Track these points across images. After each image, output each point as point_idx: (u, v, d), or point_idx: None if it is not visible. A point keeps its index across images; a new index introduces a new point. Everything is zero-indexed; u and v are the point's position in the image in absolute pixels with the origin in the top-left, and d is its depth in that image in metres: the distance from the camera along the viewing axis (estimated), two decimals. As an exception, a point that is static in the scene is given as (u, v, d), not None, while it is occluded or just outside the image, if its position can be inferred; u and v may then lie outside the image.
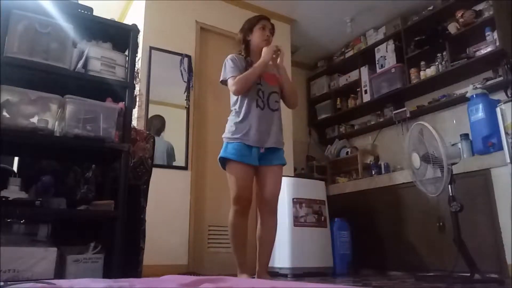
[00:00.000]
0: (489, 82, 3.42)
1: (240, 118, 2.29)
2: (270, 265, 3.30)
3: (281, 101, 2.47)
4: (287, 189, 3.42)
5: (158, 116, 3.46)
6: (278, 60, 2.40)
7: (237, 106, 2.33)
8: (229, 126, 2.33)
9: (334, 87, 4.98)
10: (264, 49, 2.34)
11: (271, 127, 2.32)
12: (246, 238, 2.35)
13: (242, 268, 2.31)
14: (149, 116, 3.41)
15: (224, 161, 2.30)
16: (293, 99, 2.51)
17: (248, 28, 2.46)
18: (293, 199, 3.40)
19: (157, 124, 3.45)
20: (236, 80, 2.26)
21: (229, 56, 2.40)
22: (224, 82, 2.37)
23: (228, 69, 2.34)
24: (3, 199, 1.57)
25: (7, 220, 1.61)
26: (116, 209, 1.71)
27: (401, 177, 3.51)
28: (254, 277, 2.30)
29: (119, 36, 1.96)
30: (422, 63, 3.96)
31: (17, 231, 1.62)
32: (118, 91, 1.86)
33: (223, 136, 2.35)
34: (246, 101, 2.30)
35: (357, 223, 3.71)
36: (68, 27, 1.78)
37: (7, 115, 1.58)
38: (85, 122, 1.70)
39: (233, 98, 2.39)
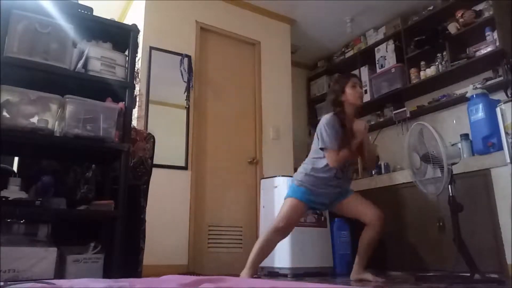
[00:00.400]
0: (489, 82, 3.41)
1: (317, 181, 2.56)
2: (270, 265, 3.32)
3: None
4: (287, 189, 3.41)
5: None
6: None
7: (318, 167, 2.57)
8: (304, 177, 2.59)
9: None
10: (358, 128, 2.57)
11: (339, 188, 2.63)
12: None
13: (253, 272, 2.57)
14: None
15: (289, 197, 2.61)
16: (372, 163, 2.92)
17: (339, 89, 2.66)
18: (293, 199, 3.39)
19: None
20: (338, 158, 2.51)
21: (329, 120, 2.57)
22: (323, 149, 2.56)
23: (330, 139, 2.52)
24: (3, 199, 1.57)
25: (7, 220, 1.61)
26: (116, 209, 1.71)
27: (401, 177, 3.51)
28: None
29: (119, 36, 1.96)
30: (422, 63, 3.96)
31: (17, 231, 1.62)
32: (118, 91, 1.86)
33: (295, 176, 2.67)
34: (327, 169, 2.55)
35: (357, 223, 3.68)
36: (68, 27, 1.78)
37: (7, 115, 1.58)
38: (85, 122, 1.70)
39: (316, 153, 2.62)
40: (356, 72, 4.64)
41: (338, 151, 2.51)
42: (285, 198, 2.64)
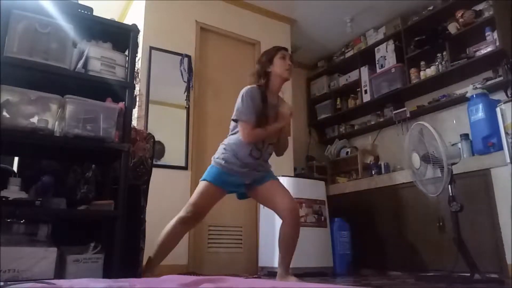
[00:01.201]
0: (489, 82, 3.42)
1: (231, 159, 2.24)
2: (270, 265, 3.32)
3: None
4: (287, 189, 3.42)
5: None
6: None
7: (231, 143, 2.28)
8: (220, 155, 2.28)
9: (334, 87, 4.98)
10: (283, 112, 2.32)
11: (257, 171, 2.31)
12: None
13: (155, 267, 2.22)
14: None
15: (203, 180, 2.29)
16: (283, 150, 2.47)
17: (267, 59, 2.42)
18: (293, 199, 3.39)
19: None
20: (252, 133, 2.22)
21: (247, 90, 2.31)
22: (235, 121, 2.31)
23: (244, 109, 2.25)
24: (3, 199, 1.57)
25: (7, 220, 1.61)
26: (116, 209, 1.71)
27: (401, 177, 3.51)
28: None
29: (119, 36, 1.96)
30: (422, 63, 3.96)
31: (17, 231, 1.62)
32: (118, 91, 1.86)
33: (213, 157, 2.32)
34: (241, 147, 2.25)
35: (357, 223, 3.71)
36: (68, 27, 1.77)
37: (7, 115, 1.58)
38: (85, 122, 1.70)
39: (233, 125, 2.35)
40: (356, 72, 4.66)
41: (252, 125, 2.23)
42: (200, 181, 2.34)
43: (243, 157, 2.25)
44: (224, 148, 2.29)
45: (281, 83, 2.41)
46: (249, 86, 2.34)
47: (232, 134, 2.34)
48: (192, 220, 2.29)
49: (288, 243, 2.26)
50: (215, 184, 2.23)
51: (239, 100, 2.31)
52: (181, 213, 2.27)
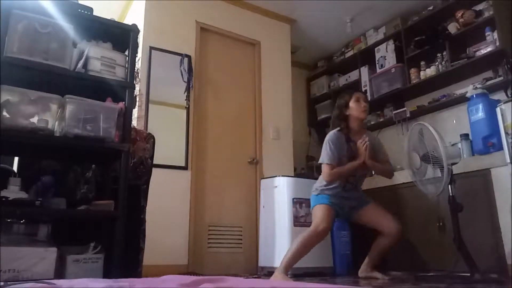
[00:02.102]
0: (489, 82, 3.41)
1: (329, 191, 2.67)
2: (270, 265, 3.32)
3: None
4: (287, 189, 3.42)
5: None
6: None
7: (323, 179, 2.71)
8: (319, 187, 2.72)
9: (334, 87, 4.98)
10: (360, 147, 2.62)
11: (352, 200, 2.73)
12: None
13: (286, 272, 2.58)
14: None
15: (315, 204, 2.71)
16: (389, 176, 2.88)
17: (344, 103, 2.73)
18: (293, 199, 3.39)
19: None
20: (332, 173, 2.60)
21: (329, 135, 2.70)
22: (320, 164, 2.69)
23: (327, 154, 2.63)
24: (3, 199, 1.57)
25: (7, 220, 1.61)
26: (116, 209, 1.71)
27: (401, 177, 3.51)
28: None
29: (119, 36, 1.96)
30: (422, 63, 3.96)
31: (17, 231, 1.62)
32: (118, 91, 1.86)
33: (315, 186, 2.77)
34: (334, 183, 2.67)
35: (357, 223, 3.69)
36: (68, 27, 1.78)
37: (7, 115, 1.58)
38: (85, 122, 1.70)
39: None
40: (356, 72, 4.65)
41: (333, 166, 2.60)
42: (311, 210, 2.73)
43: (337, 192, 2.65)
44: (318, 188, 2.72)
45: (360, 123, 2.74)
46: (332, 131, 2.72)
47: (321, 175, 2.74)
48: (326, 232, 2.63)
49: (385, 253, 2.76)
50: (328, 204, 2.63)
51: (325, 145, 2.68)
52: (315, 227, 2.60)
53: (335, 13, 4.30)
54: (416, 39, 3.97)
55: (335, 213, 2.68)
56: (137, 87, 3.33)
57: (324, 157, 2.65)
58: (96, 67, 1.82)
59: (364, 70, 4.53)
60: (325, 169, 2.64)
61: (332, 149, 2.62)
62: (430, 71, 3.86)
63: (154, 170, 2.21)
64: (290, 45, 4.50)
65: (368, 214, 2.73)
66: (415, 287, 2.30)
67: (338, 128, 2.72)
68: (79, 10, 1.88)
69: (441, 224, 3.08)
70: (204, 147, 3.67)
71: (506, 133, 2.60)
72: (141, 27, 3.41)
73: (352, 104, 2.71)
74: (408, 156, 2.80)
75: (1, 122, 1.54)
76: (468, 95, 3.20)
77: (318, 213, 2.62)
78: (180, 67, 3.63)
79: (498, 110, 2.70)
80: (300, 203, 3.41)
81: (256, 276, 3.17)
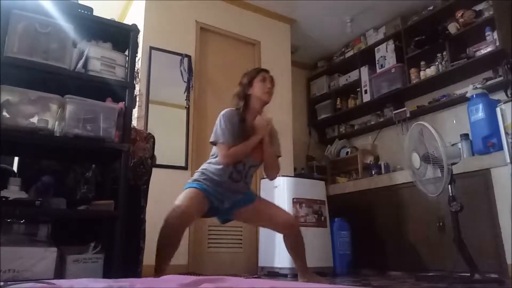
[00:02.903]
0: (489, 82, 3.42)
1: (211, 183, 2.19)
2: (270, 265, 3.32)
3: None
4: (287, 189, 3.42)
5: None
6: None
7: (211, 169, 2.23)
8: (200, 177, 2.22)
9: (334, 87, 4.98)
10: (258, 123, 2.26)
11: (238, 194, 2.27)
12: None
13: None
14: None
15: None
16: (272, 174, 2.39)
17: (247, 82, 2.37)
18: (293, 199, 3.39)
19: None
20: (230, 153, 2.17)
21: (224, 113, 2.28)
22: (213, 143, 2.26)
23: (220, 131, 2.21)
24: (3, 199, 1.57)
25: (7, 220, 1.61)
26: (116, 209, 1.71)
27: (401, 177, 3.51)
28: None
29: (119, 36, 1.96)
30: (422, 63, 3.96)
31: (17, 231, 1.62)
32: (118, 91, 1.86)
33: (193, 177, 2.28)
34: (222, 171, 2.20)
35: (357, 223, 3.70)
36: (68, 27, 1.77)
37: (7, 115, 1.58)
38: (85, 122, 1.70)
39: (213, 150, 2.32)
40: (356, 72, 4.66)
41: (229, 146, 2.18)
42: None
43: (222, 181, 2.19)
44: (203, 173, 2.23)
45: (262, 106, 2.36)
46: (227, 109, 2.31)
47: (210, 158, 2.31)
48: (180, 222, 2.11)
49: (299, 249, 2.32)
50: (200, 190, 2.15)
51: (216, 123, 2.26)
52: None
53: (335, 13, 4.30)
54: (416, 39, 3.97)
55: (209, 204, 2.17)
56: (137, 87, 3.33)
57: (219, 135, 2.20)
58: (96, 67, 1.82)
59: (364, 70, 4.53)
60: (220, 149, 2.19)
61: (228, 127, 2.21)
62: (430, 71, 3.86)
63: (154, 170, 2.20)
64: (290, 45, 4.50)
65: (257, 209, 2.31)
66: (415, 287, 2.30)
67: (236, 108, 2.34)
68: (79, 10, 1.88)
69: (441, 224, 3.08)
70: (204, 147, 3.67)
71: (506, 133, 2.60)
72: (141, 27, 3.41)
73: (257, 82, 2.34)
74: (408, 156, 2.80)
75: (1, 122, 1.54)
76: (468, 95, 3.20)
77: (181, 196, 2.14)
78: (180, 67, 3.63)
79: (498, 110, 2.70)
80: (300, 203, 3.41)
81: (256, 276, 3.17)
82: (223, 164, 2.19)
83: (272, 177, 2.42)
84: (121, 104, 1.84)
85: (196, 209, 2.12)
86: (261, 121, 2.28)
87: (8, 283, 1.17)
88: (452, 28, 3.68)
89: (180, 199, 2.11)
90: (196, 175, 2.26)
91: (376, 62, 4.37)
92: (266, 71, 2.44)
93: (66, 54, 1.76)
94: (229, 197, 2.24)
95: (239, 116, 2.28)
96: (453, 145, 3.19)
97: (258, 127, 2.26)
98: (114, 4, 4.04)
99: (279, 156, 2.41)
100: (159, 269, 1.96)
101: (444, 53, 3.75)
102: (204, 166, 2.30)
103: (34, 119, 1.64)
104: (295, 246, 2.32)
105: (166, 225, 2.02)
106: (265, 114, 2.41)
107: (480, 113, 3.01)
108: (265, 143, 2.28)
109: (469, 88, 3.31)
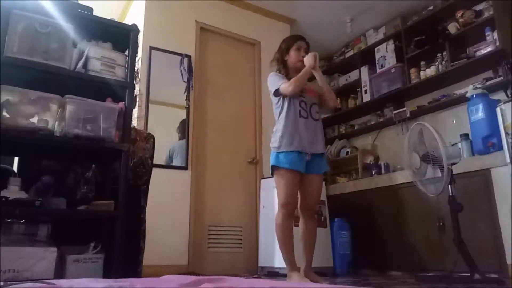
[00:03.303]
0: (489, 82, 3.41)
1: (287, 128, 2.48)
2: (270, 265, 3.32)
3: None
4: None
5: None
6: (317, 64, 2.62)
7: (283, 116, 2.52)
8: (277, 136, 2.51)
9: (334, 87, 4.97)
10: (305, 58, 2.56)
11: (315, 135, 2.54)
12: (293, 238, 2.52)
13: (292, 266, 2.45)
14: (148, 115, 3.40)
15: (274, 168, 2.51)
16: (332, 103, 2.73)
17: (285, 48, 2.67)
18: (293, 199, 3.39)
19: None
20: (291, 82, 2.47)
21: (271, 73, 2.64)
22: (277, 93, 2.54)
23: (276, 79, 2.56)
24: (3, 199, 1.57)
25: (7, 220, 1.61)
26: (116, 209, 1.71)
27: (401, 177, 3.51)
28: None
29: (119, 36, 1.96)
30: (422, 63, 3.96)
31: (17, 231, 1.62)
32: (118, 91, 1.86)
33: (271, 145, 2.55)
34: (291, 112, 2.51)
35: (357, 223, 3.70)
36: (68, 27, 1.78)
37: (7, 115, 1.58)
38: (85, 122, 1.70)
39: (277, 109, 2.59)
40: (356, 72, 4.65)
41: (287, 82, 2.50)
42: (271, 170, 2.54)
43: (295, 124, 2.47)
44: (276, 133, 2.53)
45: (296, 72, 2.57)
46: (272, 72, 2.65)
47: (276, 114, 2.60)
48: (290, 207, 2.48)
49: (311, 241, 2.56)
50: (290, 168, 2.43)
51: (269, 80, 2.61)
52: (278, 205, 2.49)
53: (335, 13, 4.30)
54: (416, 39, 3.97)
55: (298, 174, 2.45)
56: (137, 87, 3.33)
57: (276, 83, 2.54)
58: (96, 67, 1.82)
59: (364, 70, 4.53)
60: (283, 87, 2.49)
61: (279, 76, 2.58)
62: (430, 71, 3.86)
63: (154, 170, 2.21)
64: (290, 45, 4.49)
65: (313, 181, 2.53)
66: (415, 287, 2.30)
67: (278, 70, 2.67)
68: (79, 10, 1.88)
69: (441, 224, 3.08)
70: (204, 147, 3.67)
71: (506, 133, 2.60)
72: (141, 27, 3.41)
73: (292, 51, 2.66)
74: (408, 156, 2.80)
75: (1, 122, 1.54)
76: (468, 95, 3.20)
77: (280, 188, 2.46)
78: (180, 67, 3.63)
79: (498, 110, 2.70)
80: (300, 203, 3.41)
81: (256, 276, 3.17)
82: (292, 92, 2.47)
83: (332, 106, 2.84)
84: (121, 104, 1.84)
85: (296, 191, 2.47)
86: (309, 56, 2.56)
87: (8, 283, 1.17)
88: (452, 28, 3.68)
89: (281, 194, 2.45)
90: (274, 142, 2.52)
91: (376, 62, 4.37)
92: (303, 39, 2.75)
93: (66, 54, 1.76)
94: (307, 147, 2.48)
95: (285, 78, 2.57)
96: (453, 145, 3.19)
97: (306, 62, 2.55)
98: (114, 4, 4.05)
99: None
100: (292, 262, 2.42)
101: (444, 53, 3.75)
102: (275, 127, 2.59)
103: (34, 119, 1.64)
104: (307, 236, 2.54)
105: (282, 225, 2.42)
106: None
107: (480, 113, 3.00)
108: (317, 74, 2.62)
109: (469, 88, 3.31)
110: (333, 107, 2.93)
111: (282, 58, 2.66)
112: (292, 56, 2.64)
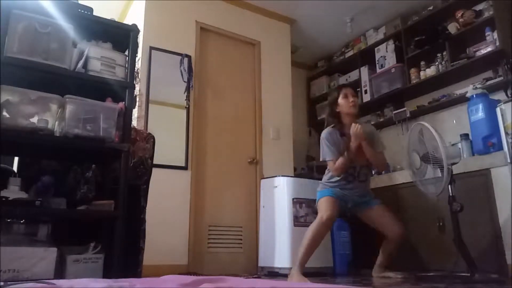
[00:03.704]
0: (489, 82, 3.41)
1: (335, 189, 2.76)
2: (270, 265, 3.32)
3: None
4: (287, 189, 3.42)
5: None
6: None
7: (327, 175, 2.85)
8: (322, 184, 2.85)
9: (334, 87, 4.97)
10: (352, 133, 2.66)
11: (362, 192, 2.80)
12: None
13: (302, 268, 2.62)
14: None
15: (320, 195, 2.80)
16: (379, 168, 3.10)
17: (333, 102, 2.82)
18: (293, 199, 3.39)
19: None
20: (336, 167, 2.69)
21: (325, 134, 2.79)
22: (324, 161, 2.80)
23: (326, 151, 2.74)
24: (3, 199, 1.57)
25: (7, 220, 1.61)
26: (116, 209, 1.71)
27: (401, 177, 3.51)
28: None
29: (119, 36, 1.96)
30: (422, 63, 3.96)
31: (17, 231, 1.62)
32: (118, 91, 1.86)
33: (321, 182, 2.88)
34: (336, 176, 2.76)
35: (357, 223, 3.69)
36: (68, 27, 1.78)
37: (7, 115, 1.58)
38: (85, 122, 1.70)
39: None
40: (356, 72, 4.65)
41: (335, 160, 2.70)
42: (316, 203, 2.80)
43: (341, 186, 2.74)
44: (325, 184, 2.82)
45: (352, 118, 2.76)
46: (326, 129, 2.83)
47: (326, 171, 2.88)
48: (330, 222, 2.67)
49: (393, 255, 2.82)
50: (332, 196, 2.71)
51: (321, 143, 2.79)
52: (319, 217, 2.66)
53: (335, 13, 4.30)
54: (416, 39, 3.97)
55: (340, 205, 2.73)
56: (137, 87, 3.33)
57: (325, 154, 2.75)
58: (96, 67, 1.82)
59: (364, 70, 4.53)
60: (330, 165, 2.75)
61: (329, 145, 2.73)
62: (430, 71, 3.86)
63: (154, 170, 2.21)
64: (290, 45, 4.50)
65: (373, 215, 2.79)
66: (415, 287, 2.30)
67: (332, 126, 2.81)
68: (79, 10, 1.88)
69: (441, 224, 3.08)
70: (204, 147, 3.67)
71: (506, 133, 2.60)
72: (141, 27, 3.41)
73: (340, 100, 2.77)
74: (408, 156, 2.80)
75: (1, 122, 1.54)
76: (468, 95, 3.20)
77: (322, 205, 2.69)
78: (180, 67, 3.63)
79: (498, 110, 2.70)
80: (300, 203, 3.41)
81: (256, 276, 3.17)
82: (335, 175, 2.74)
83: (381, 170, 3.26)
84: (121, 104, 1.84)
85: (336, 212, 2.68)
86: (353, 129, 2.66)
87: (8, 283, 1.17)
88: (452, 28, 3.68)
89: (322, 208, 2.66)
90: (322, 186, 2.84)
91: (376, 62, 4.37)
92: (347, 86, 2.91)
93: (66, 54, 1.76)
94: (350, 197, 2.76)
95: (338, 132, 2.76)
96: (453, 145, 3.19)
97: (352, 136, 2.68)
98: (114, 4, 4.04)
99: (381, 151, 2.86)
100: (304, 265, 2.59)
101: (444, 53, 3.75)
102: (323, 179, 2.88)
103: (34, 119, 1.64)
104: (389, 247, 2.79)
105: (319, 231, 2.59)
106: (360, 121, 2.88)
107: (480, 113, 3.00)
108: (363, 147, 2.70)
109: (469, 88, 3.31)
110: (382, 170, 3.23)
111: (334, 111, 2.80)
112: (343, 106, 2.76)
